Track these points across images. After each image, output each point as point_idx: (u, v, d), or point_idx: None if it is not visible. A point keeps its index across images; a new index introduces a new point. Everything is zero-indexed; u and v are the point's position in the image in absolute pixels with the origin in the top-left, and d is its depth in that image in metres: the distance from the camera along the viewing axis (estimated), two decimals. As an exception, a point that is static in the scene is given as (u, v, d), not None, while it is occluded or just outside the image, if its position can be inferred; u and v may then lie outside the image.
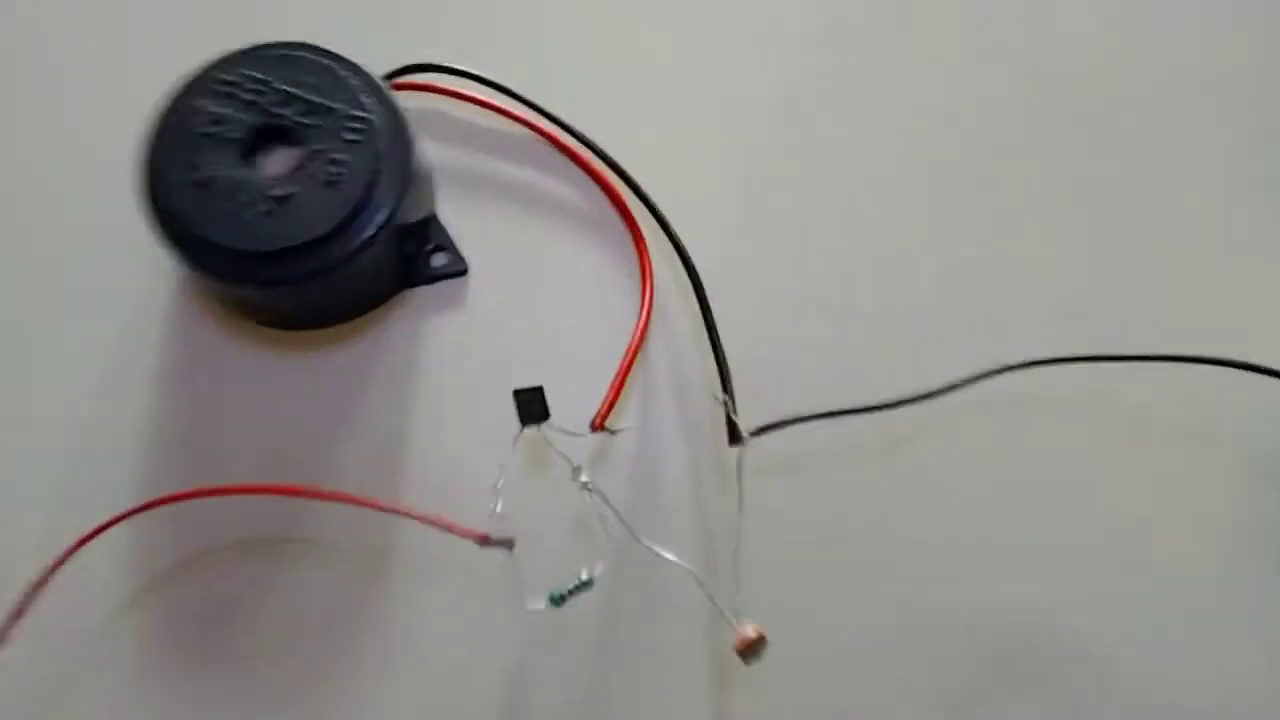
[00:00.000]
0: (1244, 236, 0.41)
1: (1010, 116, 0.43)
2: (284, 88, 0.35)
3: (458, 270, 0.39)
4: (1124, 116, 0.43)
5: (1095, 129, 0.42)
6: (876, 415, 0.35)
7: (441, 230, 0.39)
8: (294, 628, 0.35)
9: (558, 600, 0.31)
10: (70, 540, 0.32)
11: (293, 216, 0.34)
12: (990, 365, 0.36)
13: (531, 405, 0.33)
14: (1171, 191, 0.42)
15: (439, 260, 0.39)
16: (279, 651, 0.35)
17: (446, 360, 0.38)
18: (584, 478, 0.33)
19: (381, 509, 0.32)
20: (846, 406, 0.35)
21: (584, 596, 0.32)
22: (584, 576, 0.31)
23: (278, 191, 0.34)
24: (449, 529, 0.31)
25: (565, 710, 0.34)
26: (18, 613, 0.31)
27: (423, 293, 0.39)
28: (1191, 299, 0.40)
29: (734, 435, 0.34)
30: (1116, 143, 0.42)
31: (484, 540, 0.31)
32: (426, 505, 0.33)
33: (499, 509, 0.32)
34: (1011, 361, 0.36)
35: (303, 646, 0.35)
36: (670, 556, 0.32)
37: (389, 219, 0.35)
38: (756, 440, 0.34)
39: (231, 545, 0.36)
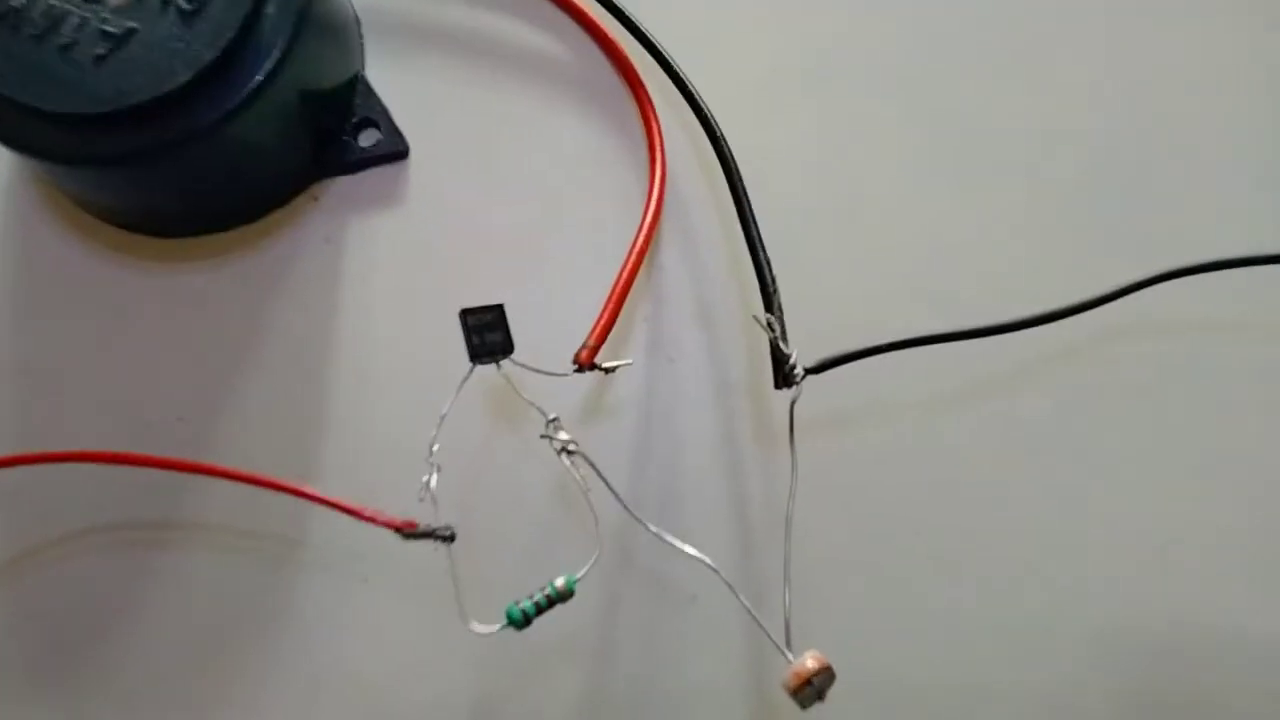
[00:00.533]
0: None
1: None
2: (121, -128, 0.25)
3: (394, 152, 0.30)
4: None
5: None
6: (972, 348, 0.24)
7: (372, 98, 0.30)
8: (174, 634, 0.26)
9: (518, 619, 0.20)
10: None
11: (135, 63, 0.24)
12: (1127, 281, 0.25)
13: (487, 332, 0.23)
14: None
15: (368, 139, 0.30)
16: (154, 665, 0.26)
17: (378, 274, 0.29)
18: (562, 435, 0.22)
19: (282, 490, 0.22)
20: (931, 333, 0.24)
21: (560, 612, 0.21)
22: (559, 585, 0.21)
23: (114, 26, 0.24)
24: (361, 517, 0.21)
25: None
26: None
27: (346, 182, 0.29)
28: None
29: (782, 373, 0.23)
30: None
31: (409, 530, 0.21)
32: (348, 477, 0.24)
33: (432, 483, 0.21)
34: (1162, 270, 0.25)
35: (184, 658, 0.26)
36: (688, 549, 0.22)
37: (278, 67, 0.24)
38: (813, 383, 0.23)
39: (95, 530, 0.27)
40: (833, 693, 0.21)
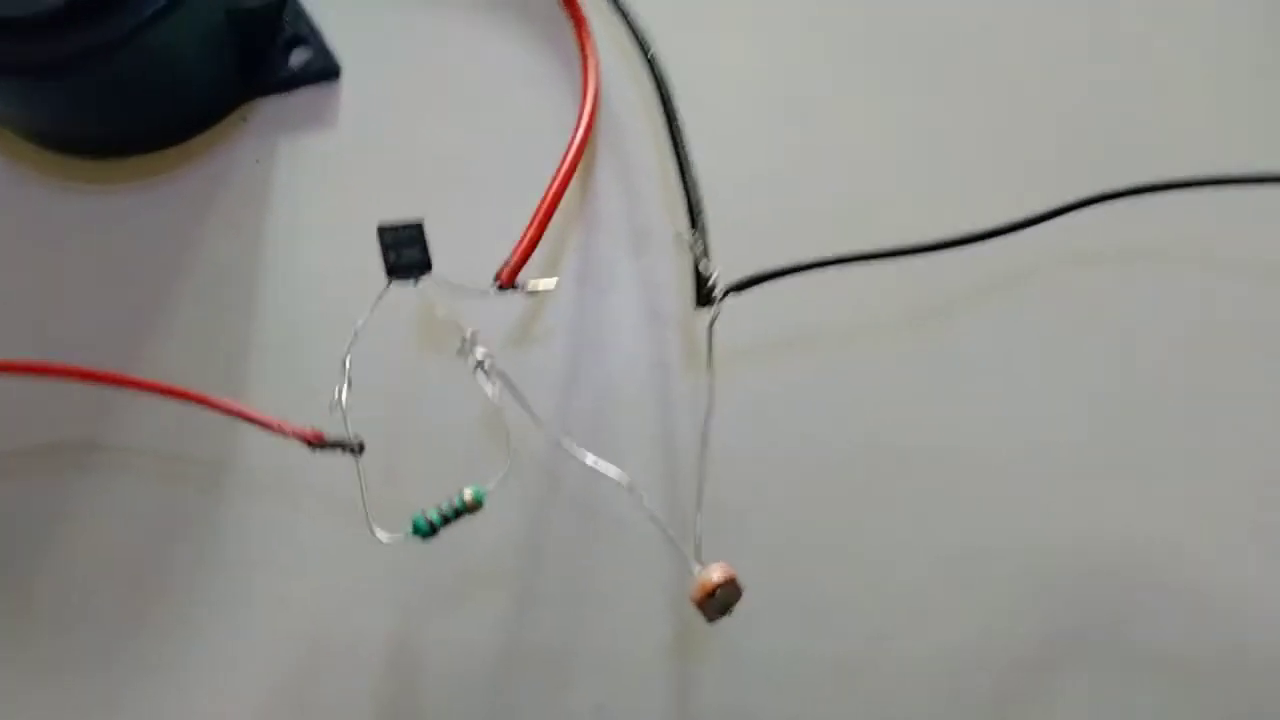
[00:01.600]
0: None
1: None
2: None
3: (324, 70, 0.29)
4: None
5: None
6: (900, 268, 0.24)
7: (301, 16, 0.29)
8: (98, 557, 0.26)
9: (424, 529, 0.20)
10: None
11: None
12: (1065, 200, 0.25)
13: (405, 248, 0.23)
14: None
15: (298, 57, 0.29)
16: (78, 589, 0.26)
17: (307, 194, 0.29)
18: (479, 353, 0.22)
19: (203, 404, 0.22)
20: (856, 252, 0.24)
21: (484, 532, 0.21)
22: (467, 496, 0.20)
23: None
24: (271, 428, 0.21)
25: (455, 678, 0.24)
26: None
27: (276, 102, 0.29)
28: None
29: (704, 293, 0.23)
30: None
31: (317, 442, 0.21)
32: (275, 397, 0.24)
33: (343, 398, 0.21)
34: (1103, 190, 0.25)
35: (108, 581, 0.26)
36: (603, 466, 0.22)
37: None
38: (734, 301, 0.23)
39: (23, 451, 0.26)
40: (745, 611, 0.21)
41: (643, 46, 0.27)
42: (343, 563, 0.25)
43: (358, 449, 0.21)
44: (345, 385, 0.21)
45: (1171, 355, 0.27)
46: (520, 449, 0.23)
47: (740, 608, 0.21)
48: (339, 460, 0.22)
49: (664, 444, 0.26)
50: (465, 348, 0.22)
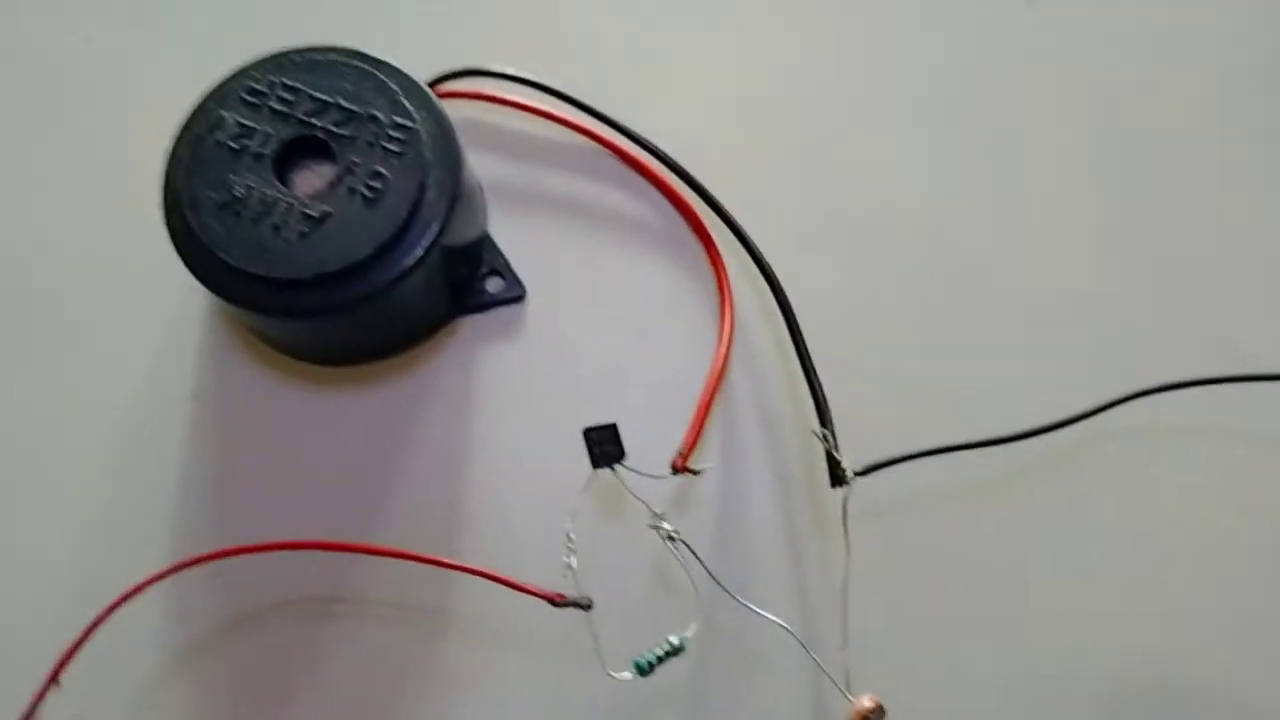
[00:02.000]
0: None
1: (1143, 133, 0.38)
2: (318, 95, 0.32)
3: (515, 296, 0.35)
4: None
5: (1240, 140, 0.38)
6: (994, 451, 0.30)
7: (496, 252, 0.36)
8: (346, 698, 0.31)
9: (645, 669, 0.26)
10: (104, 603, 0.29)
11: (330, 239, 0.31)
12: (1119, 394, 0.31)
13: (605, 445, 0.29)
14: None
15: (494, 285, 0.36)
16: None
17: (505, 395, 0.35)
18: (667, 525, 0.28)
19: (444, 566, 0.28)
20: (960, 441, 0.30)
21: (673, 664, 0.27)
22: (674, 641, 0.27)
23: (313, 211, 0.31)
24: (519, 589, 0.27)
25: None
26: (52, 678, 0.28)
27: (477, 321, 0.35)
28: None
29: (836, 475, 0.30)
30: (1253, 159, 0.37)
31: (559, 601, 0.27)
32: (488, 560, 0.29)
33: (573, 564, 0.27)
34: (1145, 387, 0.32)
35: (351, 713, 0.31)
36: (768, 615, 0.28)
37: (437, 239, 0.31)
38: (861, 482, 0.30)
39: (277, 606, 0.32)
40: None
41: (768, 276, 0.34)
42: (550, 698, 0.31)
43: (589, 606, 0.27)
44: (573, 555, 0.27)
45: (1210, 516, 0.33)
46: (683, 592, 0.29)
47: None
48: (549, 613, 0.28)
49: (797, 593, 0.32)
50: (656, 521, 0.29)
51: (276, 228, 0.31)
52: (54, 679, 0.28)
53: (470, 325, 0.35)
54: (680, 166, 0.35)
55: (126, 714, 0.31)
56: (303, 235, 0.31)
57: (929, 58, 0.38)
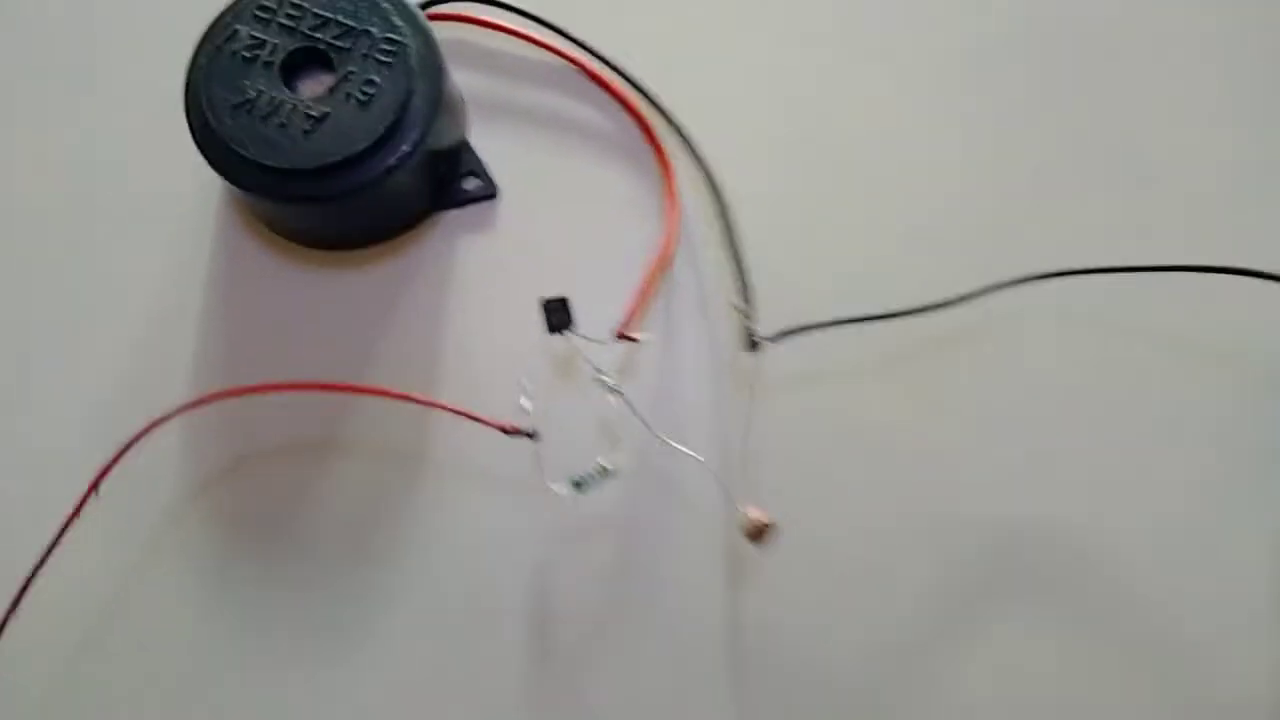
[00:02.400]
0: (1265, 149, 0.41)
1: (1027, 43, 0.43)
2: (319, 11, 0.37)
3: (488, 194, 0.41)
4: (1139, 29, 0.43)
5: (1109, 46, 0.43)
6: (894, 325, 0.36)
7: (473, 156, 0.41)
8: (335, 525, 0.37)
9: (580, 485, 0.32)
10: (127, 436, 0.35)
11: (329, 136, 0.36)
12: (1009, 277, 0.37)
13: (558, 313, 0.35)
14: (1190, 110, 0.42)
15: (470, 184, 0.41)
16: (323, 548, 0.37)
17: (477, 277, 0.40)
18: (607, 378, 0.34)
19: (417, 402, 0.34)
20: (851, 314, 0.36)
21: (605, 492, 0.33)
22: (605, 465, 0.32)
23: (315, 112, 0.36)
24: (478, 420, 0.33)
25: (585, 600, 0.36)
26: (92, 487, 0.34)
27: (455, 215, 0.41)
28: (1211, 212, 0.40)
29: (751, 341, 0.35)
30: (1135, 59, 0.42)
31: (510, 430, 0.33)
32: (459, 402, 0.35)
33: (527, 406, 0.33)
34: (1030, 273, 0.37)
35: (343, 543, 0.37)
36: (685, 450, 0.33)
37: (421, 139, 0.36)
38: (777, 352, 0.35)
39: (278, 447, 0.38)
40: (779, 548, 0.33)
41: (709, 178, 0.39)
42: (505, 522, 0.37)
43: (536, 436, 0.33)
44: (526, 397, 0.33)
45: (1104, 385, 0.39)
46: (618, 434, 0.35)
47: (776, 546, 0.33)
48: (509, 447, 0.34)
49: (720, 443, 0.38)
50: (597, 376, 0.34)
51: (283, 125, 0.36)
52: (94, 488, 0.33)
53: (449, 219, 0.40)
54: (638, 82, 0.41)
55: (149, 528, 0.37)
56: (306, 132, 0.36)
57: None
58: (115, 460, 0.34)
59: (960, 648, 0.36)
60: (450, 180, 0.40)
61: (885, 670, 0.36)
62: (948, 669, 0.36)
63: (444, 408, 0.33)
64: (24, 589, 0.33)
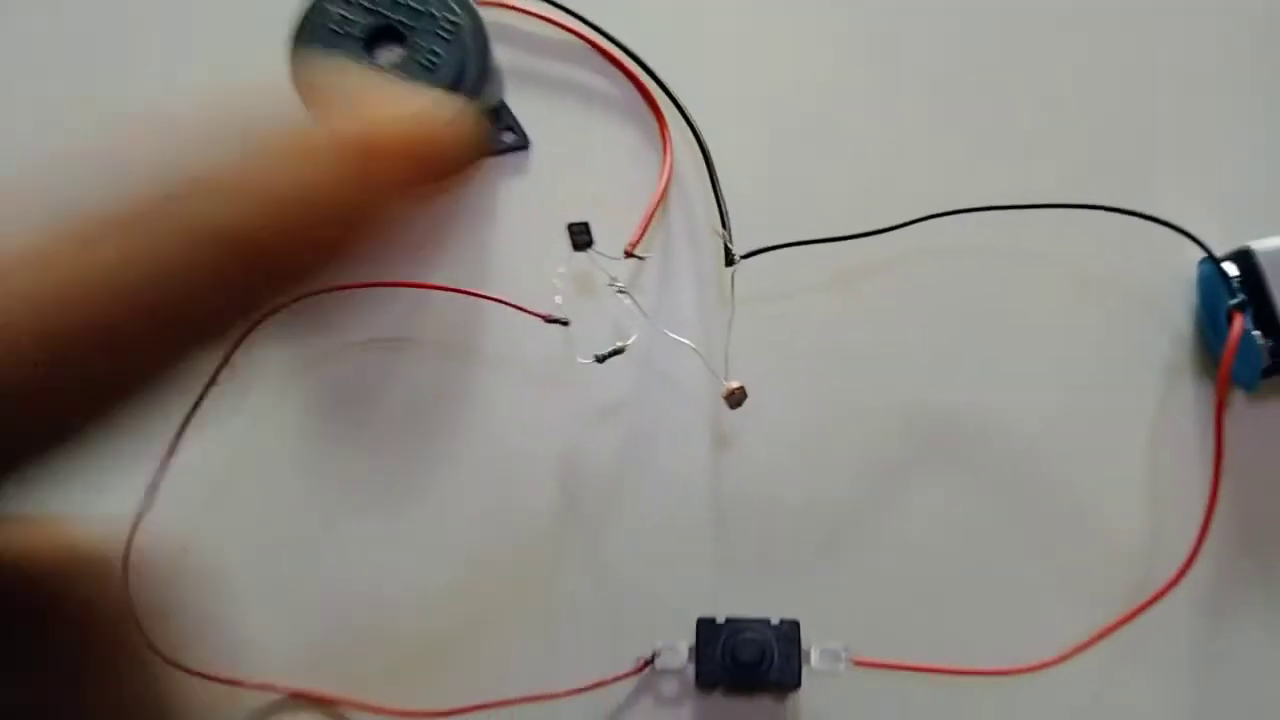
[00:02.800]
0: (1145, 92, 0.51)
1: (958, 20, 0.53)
2: (394, -3, 0.47)
3: (521, 145, 0.50)
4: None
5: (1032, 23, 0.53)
6: (838, 247, 0.46)
7: (509, 114, 0.51)
8: (406, 401, 0.47)
9: (600, 358, 0.43)
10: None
11: None
12: (929, 213, 0.47)
13: (580, 234, 0.45)
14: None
15: (507, 137, 0.50)
16: (395, 419, 0.47)
17: (514, 211, 0.49)
18: (618, 283, 0.44)
19: (475, 296, 0.45)
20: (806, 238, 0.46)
21: (615, 376, 0.44)
22: (619, 344, 0.43)
23: (390, 75, 0.46)
24: (523, 310, 0.43)
25: (600, 462, 0.47)
26: (219, 370, 0.43)
27: (496, 161, 0.49)
28: (1100, 159, 0.50)
29: (729, 258, 0.45)
30: (1048, 30, 0.52)
31: (548, 318, 0.43)
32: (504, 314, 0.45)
33: (558, 300, 0.43)
34: (947, 209, 0.47)
35: (412, 416, 0.47)
36: (679, 338, 0.44)
37: (472, 98, 0.46)
38: (748, 267, 0.46)
39: (363, 339, 0.48)
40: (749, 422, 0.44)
41: (695, 134, 0.49)
42: (539, 405, 0.47)
43: (567, 323, 0.43)
44: (559, 297, 0.43)
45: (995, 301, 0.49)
46: (631, 331, 0.45)
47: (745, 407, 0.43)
48: (544, 340, 0.45)
49: (705, 337, 0.48)
50: (611, 282, 0.45)
51: (366, 86, 0.46)
52: (228, 360, 0.43)
53: (491, 164, 0.50)
54: (640, 59, 0.51)
55: (262, 398, 0.47)
56: (383, 92, 0.46)
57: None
58: (243, 339, 0.44)
59: (892, 497, 0.46)
60: (493, 133, 0.51)
61: (832, 516, 0.46)
62: (882, 515, 0.46)
63: (497, 300, 0.44)
64: (178, 435, 0.43)
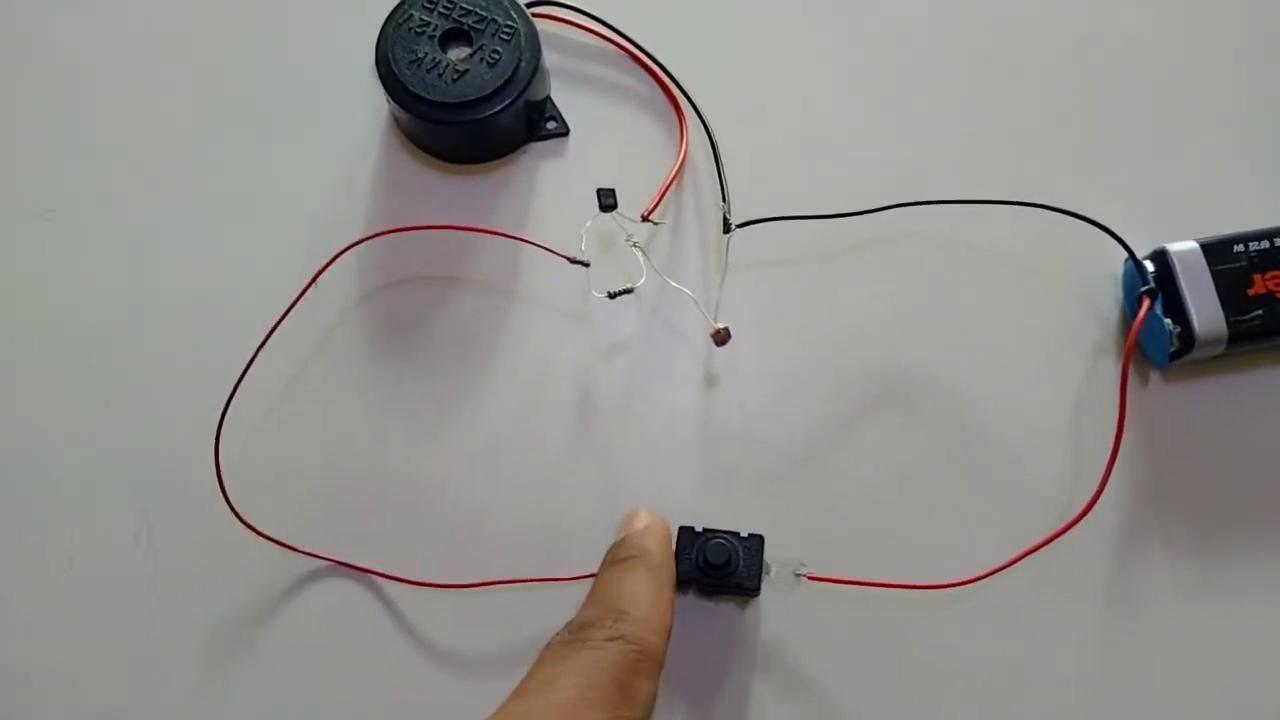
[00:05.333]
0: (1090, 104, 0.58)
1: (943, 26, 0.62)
2: (465, 6, 0.58)
3: (562, 132, 0.57)
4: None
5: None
6: (819, 224, 0.55)
7: (553, 106, 0.58)
8: (452, 332, 0.54)
9: (612, 295, 0.52)
10: (330, 255, 0.53)
11: (467, 84, 0.56)
12: (899, 201, 0.56)
13: (607, 199, 0.52)
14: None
15: (550, 125, 0.57)
16: (442, 347, 0.54)
17: (554, 187, 0.56)
18: (636, 239, 0.54)
19: (515, 239, 0.55)
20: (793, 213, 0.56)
21: (625, 314, 0.54)
22: (628, 285, 0.53)
23: (459, 68, 0.56)
24: (554, 252, 0.53)
25: (610, 392, 0.54)
26: (313, 280, 0.54)
27: (540, 145, 0.57)
28: (1050, 162, 0.57)
29: (726, 226, 0.55)
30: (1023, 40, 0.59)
31: (573, 259, 0.53)
32: (539, 263, 0.55)
33: (584, 247, 0.53)
34: (915, 200, 0.56)
35: (457, 344, 0.54)
36: (680, 287, 0.53)
37: (524, 90, 0.57)
38: (743, 236, 0.55)
39: (417, 276, 0.55)
40: (735, 368, 0.53)
41: (705, 126, 0.59)
42: (562, 341, 0.57)
43: (589, 264, 0.52)
44: (584, 241, 0.53)
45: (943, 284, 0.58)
46: (641, 279, 0.55)
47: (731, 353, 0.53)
48: (569, 283, 0.54)
49: (703, 292, 0.56)
50: (629, 239, 0.54)
51: (440, 75, 0.56)
52: (314, 281, 0.53)
53: (536, 148, 0.57)
54: (663, 63, 0.59)
55: (331, 321, 0.56)
56: (453, 81, 0.56)
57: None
58: (325, 267, 0.54)
59: (850, 437, 0.52)
60: (538, 121, 0.58)
61: (800, 449, 0.52)
62: (841, 451, 0.51)
63: (531, 242, 0.53)
64: (266, 338, 0.53)
